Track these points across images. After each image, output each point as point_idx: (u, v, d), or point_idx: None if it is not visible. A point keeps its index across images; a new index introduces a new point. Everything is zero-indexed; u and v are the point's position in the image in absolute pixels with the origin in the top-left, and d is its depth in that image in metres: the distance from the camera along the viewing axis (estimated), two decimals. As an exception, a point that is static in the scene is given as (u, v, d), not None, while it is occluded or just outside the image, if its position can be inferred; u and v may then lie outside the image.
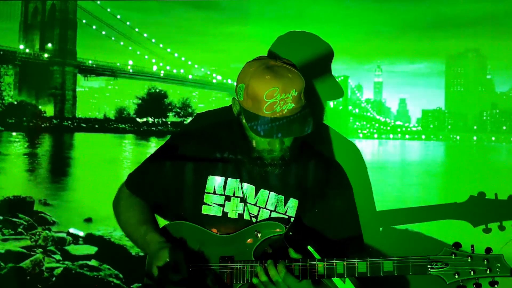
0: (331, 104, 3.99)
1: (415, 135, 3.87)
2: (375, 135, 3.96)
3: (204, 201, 1.86)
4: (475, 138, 3.61)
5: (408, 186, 3.47)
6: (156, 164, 1.96)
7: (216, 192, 1.86)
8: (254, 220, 1.83)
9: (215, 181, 1.87)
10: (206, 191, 1.87)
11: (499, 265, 1.56)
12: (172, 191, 1.91)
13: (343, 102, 3.98)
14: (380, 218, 2.87)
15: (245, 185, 1.86)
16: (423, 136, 3.84)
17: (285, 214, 1.85)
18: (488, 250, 1.58)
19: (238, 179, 1.85)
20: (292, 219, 1.84)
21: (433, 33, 3.38)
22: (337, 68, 3.66)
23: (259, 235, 1.78)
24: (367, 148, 3.94)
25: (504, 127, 3.60)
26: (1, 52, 4.18)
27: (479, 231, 2.54)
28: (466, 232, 2.74)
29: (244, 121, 1.76)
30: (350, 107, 3.95)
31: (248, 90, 1.70)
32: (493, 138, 3.61)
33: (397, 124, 3.96)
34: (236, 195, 1.86)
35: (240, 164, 1.86)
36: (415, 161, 3.78)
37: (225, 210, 1.85)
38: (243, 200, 1.85)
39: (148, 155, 2.02)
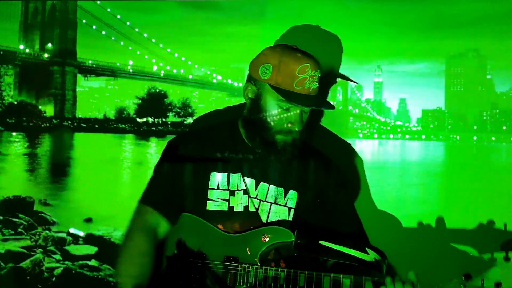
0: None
1: (415, 135, 3.87)
2: (375, 135, 3.96)
3: (208, 197, 1.88)
4: (475, 138, 3.61)
5: (408, 186, 3.47)
6: (162, 172, 1.95)
7: (220, 188, 1.89)
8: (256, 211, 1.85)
9: (218, 177, 1.89)
10: (209, 187, 1.88)
11: None
12: (183, 195, 1.92)
13: (343, 102, 3.98)
14: (386, 234, 2.89)
15: (246, 179, 1.88)
16: (423, 136, 3.84)
17: (285, 205, 1.89)
18: (498, 285, 1.58)
19: (239, 173, 1.88)
20: (292, 211, 1.87)
21: (433, 33, 3.38)
22: (337, 68, 3.66)
23: (267, 239, 1.78)
24: (367, 148, 3.94)
25: (504, 127, 3.60)
26: (1, 52, 4.18)
27: None
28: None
29: (262, 102, 1.82)
30: (350, 107, 3.95)
31: (280, 66, 1.79)
32: (493, 138, 3.61)
33: (397, 124, 3.96)
34: (239, 188, 1.88)
35: (240, 160, 1.89)
36: (415, 161, 3.78)
37: (230, 204, 1.88)
38: (246, 192, 1.87)
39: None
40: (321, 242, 1.73)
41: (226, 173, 1.88)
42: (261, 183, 1.88)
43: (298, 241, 1.74)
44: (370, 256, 1.70)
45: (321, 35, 2.65)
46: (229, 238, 1.81)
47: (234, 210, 1.86)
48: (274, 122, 1.82)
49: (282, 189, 1.88)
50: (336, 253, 1.71)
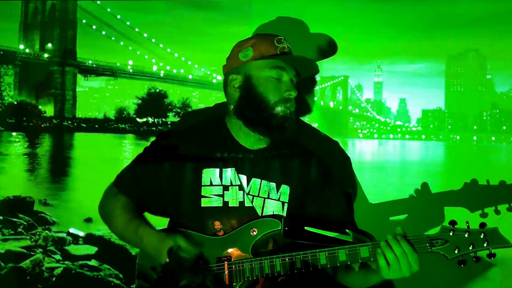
0: (331, 104, 3.98)
1: (415, 135, 3.88)
2: (375, 135, 3.96)
3: (202, 194, 1.89)
4: (475, 138, 3.61)
5: (408, 186, 3.47)
6: (145, 163, 1.98)
7: (213, 183, 1.89)
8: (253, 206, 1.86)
9: (210, 173, 1.89)
10: (202, 184, 1.89)
11: (495, 237, 1.61)
12: (166, 190, 1.93)
13: (343, 102, 3.98)
14: (379, 209, 2.92)
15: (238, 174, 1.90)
16: (423, 136, 3.84)
17: (278, 200, 1.90)
18: (483, 225, 1.63)
19: (233, 168, 1.89)
20: (286, 205, 1.89)
21: (433, 33, 3.38)
22: (337, 68, 3.65)
23: (255, 233, 1.80)
24: (367, 148, 3.94)
25: (504, 127, 3.60)
26: (1, 52, 4.18)
27: (472, 218, 2.59)
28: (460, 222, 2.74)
29: (253, 81, 1.87)
30: (350, 107, 3.95)
31: (260, 41, 1.89)
32: (493, 138, 3.61)
33: (397, 124, 3.96)
34: (233, 183, 1.89)
35: (232, 156, 1.90)
36: (415, 161, 3.78)
37: (225, 200, 1.88)
38: (241, 188, 1.88)
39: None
40: (306, 228, 1.76)
41: (218, 169, 1.88)
42: (253, 178, 1.89)
43: (286, 228, 1.77)
44: (349, 236, 1.74)
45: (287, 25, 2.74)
46: (219, 240, 1.82)
47: (229, 205, 1.87)
48: (271, 94, 1.85)
49: (274, 184, 1.89)
50: (319, 237, 1.73)
